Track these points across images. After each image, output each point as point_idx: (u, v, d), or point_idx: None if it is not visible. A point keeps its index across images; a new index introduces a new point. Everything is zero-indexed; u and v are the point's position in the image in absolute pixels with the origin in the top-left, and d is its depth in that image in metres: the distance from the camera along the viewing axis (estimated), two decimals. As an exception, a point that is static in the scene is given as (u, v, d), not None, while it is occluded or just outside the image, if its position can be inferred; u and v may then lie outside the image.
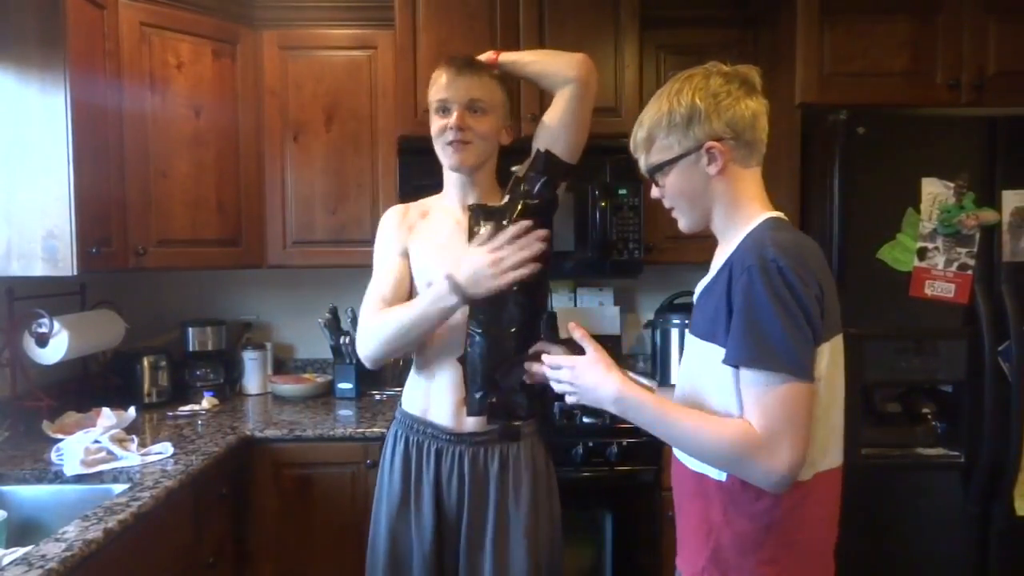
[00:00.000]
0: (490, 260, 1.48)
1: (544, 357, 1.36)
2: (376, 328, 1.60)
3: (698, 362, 1.25)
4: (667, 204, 1.31)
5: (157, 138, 2.42)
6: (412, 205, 1.79)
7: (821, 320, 1.13)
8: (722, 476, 1.19)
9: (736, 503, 1.18)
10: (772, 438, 1.10)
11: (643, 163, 1.30)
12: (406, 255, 1.71)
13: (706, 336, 1.21)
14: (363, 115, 2.64)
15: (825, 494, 1.24)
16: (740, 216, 1.24)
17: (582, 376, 1.28)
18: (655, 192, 1.31)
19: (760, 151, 1.26)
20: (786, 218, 1.26)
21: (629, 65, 2.51)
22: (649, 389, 1.29)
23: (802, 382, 1.11)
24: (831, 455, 1.23)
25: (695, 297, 1.33)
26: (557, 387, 1.34)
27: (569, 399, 1.32)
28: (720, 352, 1.16)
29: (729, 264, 1.19)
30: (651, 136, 1.26)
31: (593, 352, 1.29)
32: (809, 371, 1.11)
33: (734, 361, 1.14)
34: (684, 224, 1.31)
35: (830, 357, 1.17)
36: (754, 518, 1.18)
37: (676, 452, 1.29)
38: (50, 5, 2.00)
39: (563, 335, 1.49)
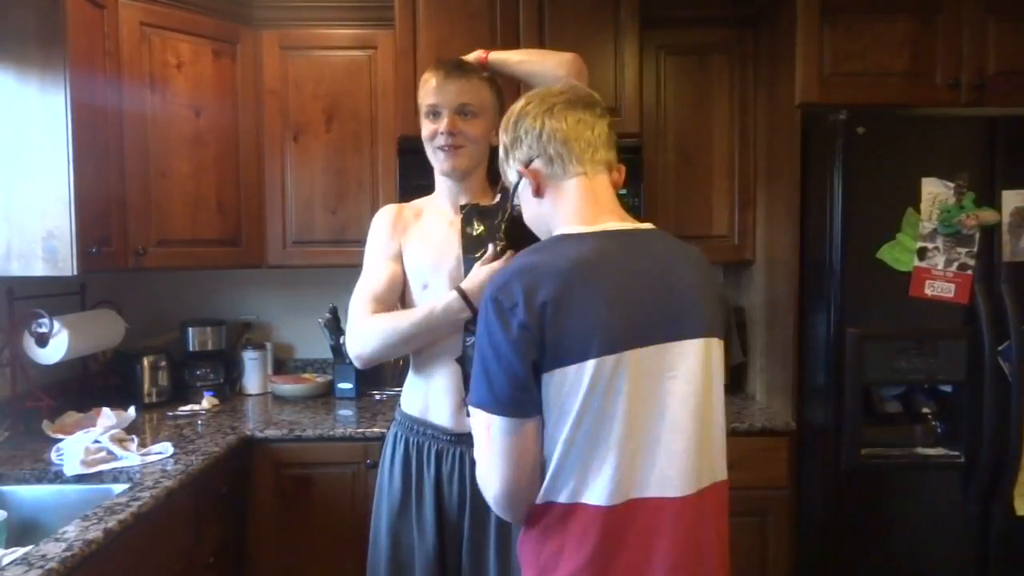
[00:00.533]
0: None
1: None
2: (376, 330, 1.60)
3: None
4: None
5: (157, 138, 2.42)
6: (405, 205, 1.79)
7: (540, 345, 1.07)
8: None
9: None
10: (484, 469, 1.16)
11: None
12: (399, 256, 1.71)
13: None
14: (363, 115, 2.64)
15: (605, 526, 1.10)
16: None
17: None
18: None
19: (576, 160, 1.20)
20: (581, 229, 1.17)
21: (629, 65, 2.51)
22: None
23: (495, 418, 1.11)
24: (601, 487, 1.09)
25: None
26: None
27: None
28: None
29: None
30: (501, 168, 1.31)
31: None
32: (499, 407, 1.10)
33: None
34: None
35: (582, 380, 1.07)
36: (522, 532, 1.21)
37: None
38: (50, 5, 2.00)
39: None
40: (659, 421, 1.12)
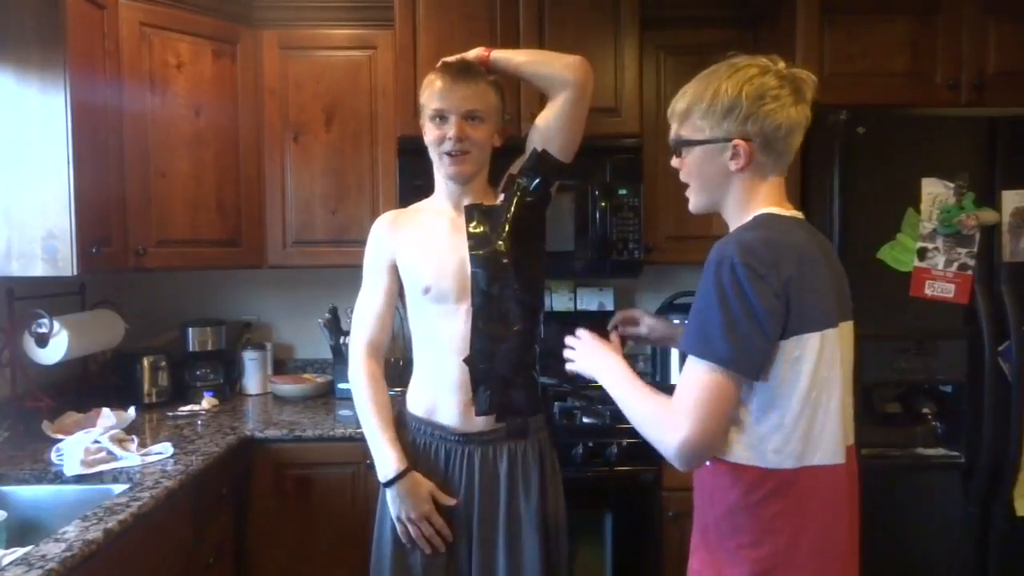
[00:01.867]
0: (415, 517, 1.61)
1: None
2: (356, 398, 1.71)
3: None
4: (683, 178, 1.33)
5: (157, 138, 2.42)
6: (402, 212, 1.80)
7: (785, 314, 1.15)
8: (707, 461, 1.24)
9: (718, 486, 1.23)
10: (677, 413, 1.17)
11: (673, 132, 1.32)
12: (393, 268, 1.72)
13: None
14: (363, 115, 2.64)
15: (817, 489, 1.21)
16: (745, 214, 1.27)
17: (587, 344, 1.41)
18: (675, 162, 1.33)
19: (786, 162, 1.29)
20: (785, 212, 1.27)
21: (629, 65, 2.51)
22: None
23: (725, 373, 1.14)
24: (823, 451, 1.20)
25: None
26: (566, 352, 1.44)
27: (568, 365, 1.43)
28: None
29: (710, 254, 1.21)
30: (689, 110, 1.27)
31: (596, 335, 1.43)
32: (738, 364, 1.14)
33: (683, 347, 1.21)
34: (692, 204, 1.35)
35: (815, 349, 1.17)
36: (730, 502, 1.22)
37: None
38: (50, 5, 2.00)
39: None
40: (847, 389, 1.25)
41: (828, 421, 1.20)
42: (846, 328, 1.26)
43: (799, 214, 1.31)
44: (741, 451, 1.20)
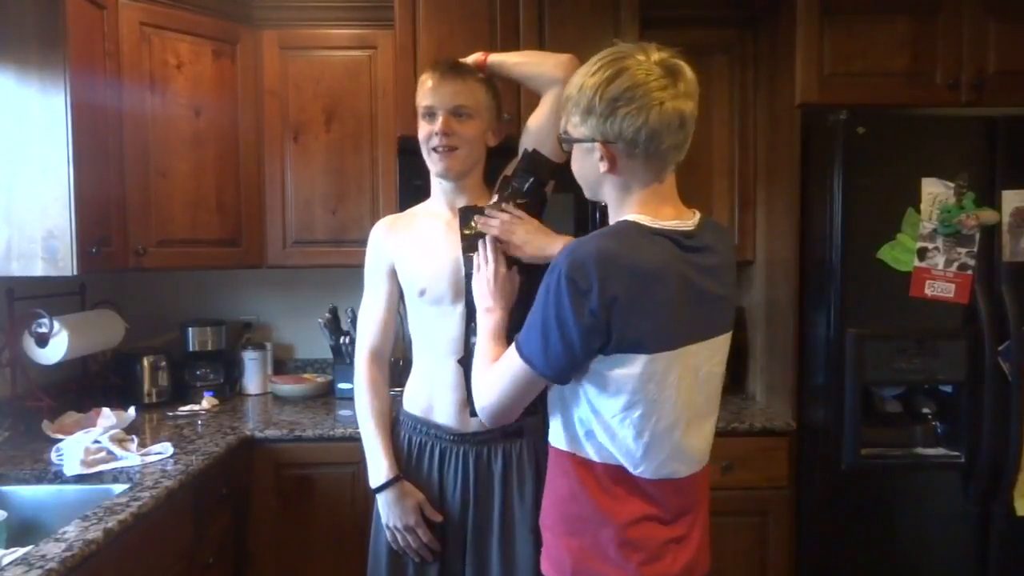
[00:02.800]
0: (402, 526, 1.64)
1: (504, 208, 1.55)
2: (356, 397, 1.75)
3: None
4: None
5: (157, 138, 2.42)
6: (399, 216, 1.81)
7: (605, 332, 1.14)
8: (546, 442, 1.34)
9: (554, 470, 1.33)
10: (487, 383, 1.29)
11: (561, 124, 1.28)
12: (392, 272, 1.73)
13: None
14: (363, 115, 2.64)
15: (619, 490, 1.24)
16: (617, 218, 1.24)
17: (534, 231, 1.51)
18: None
19: (662, 165, 1.21)
20: (651, 223, 1.19)
21: (629, 65, 2.51)
22: None
23: (528, 369, 1.21)
24: (648, 464, 1.22)
25: None
26: (505, 233, 1.52)
27: (514, 248, 1.51)
28: None
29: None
30: (566, 104, 1.24)
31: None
32: (540, 367, 1.19)
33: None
34: (586, 194, 1.32)
35: (637, 371, 1.16)
36: (561, 488, 1.30)
37: None
38: (50, 5, 2.00)
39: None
40: (695, 409, 1.25)
41: (656, 440, 1.20)
42: (696, 349, 1.21)
43: (678, 223, 1.22)
44: (580, 443, 1.26)
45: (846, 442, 2.12)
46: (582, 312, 1.13)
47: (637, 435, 1.20)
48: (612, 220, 1.26)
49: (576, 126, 1.22)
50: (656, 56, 1.17)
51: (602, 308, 1.12)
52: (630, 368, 1.16)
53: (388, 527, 1.66)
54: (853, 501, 2.19)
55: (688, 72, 1.19)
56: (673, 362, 1.18)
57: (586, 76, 1.18)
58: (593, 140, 1.19)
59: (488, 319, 1.44)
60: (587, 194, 1.32)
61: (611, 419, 1.20)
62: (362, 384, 1.73)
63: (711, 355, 1.26)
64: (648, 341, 1.16)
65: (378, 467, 1.67)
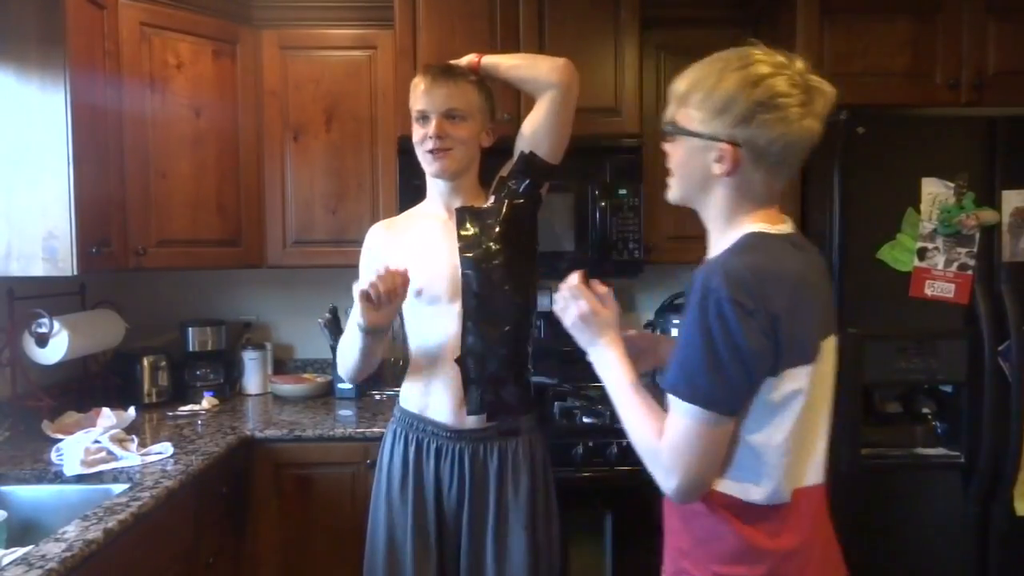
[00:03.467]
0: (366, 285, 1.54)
1: (572, 283, 1.33)
2: (339, 352, 1.73)
3: None
4: (668, 164, 1.24)
5: (157, 138, 2.42)
6: (395, 219, 1.82)
7: (775, 351, 1.07)
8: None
9: (696, 511, 1.17)
10: (671, 457, 1.11)
11: (668, 113, 1.21)
12: None
13: None
14: (363, 115, 2.64)
15: (807, 510, 1.18)
16: (730, 227, 1.18)
17: (590, 317, 1.28)
18: (665, 145, 1.24)
19: (781, 179, 1.18)
20: (775, 230, 1.17)
21: (629, 65, 2.51)
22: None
23: (711, 415, 1.08)
24: (812, 472, 1.18)
25: None
26: (562, 310, 1.31)
27: (567, 322, 1.31)
28: None
29: (694, 280, 1.12)
30: (687, 95, 1.16)
31: (611, 304, 1.31)
32: (724, 406, 1.08)
33: (665, 385, 1.13)
34: (670, 195, 1.26)
35: (805, 381, 1.11)
36: (713, 526, 1.16)
37: None
38: (50, 5, 2.00)
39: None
40: (828, 409, 1.21)
41: (817, 442, 1.18)
42: (829, 345, 1.18)
43: (789, 227, 1.21)
44: (726, 479, 1.14)
45: (846, 442, 2.12)
46: (755, 334, 1.05)
47: (800, 445, 1.14)
48: (716, 229, 1.21)
49: (696, 120, 1.14)
50: (799, 65, 1.12)
51: (770, 326, 1.06)
52: (796, 383, 1.10)
53: (363, 291, 1.54)
54: (853, 501, 2.19)
55: (828, 92, 1.13)
56: (822, 365, 1.15)
57: (724, 72, 1.11)
58: (716, 139, 1.12)
59: (611, 365, 1.26)
60: (675, 194, 1.25)
61: (766, 447, 1.12)
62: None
63: (833, 351, 1.21)
64: (810, 350, 1.11)
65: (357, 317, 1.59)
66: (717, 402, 1.08)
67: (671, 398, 1.11)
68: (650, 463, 1.15)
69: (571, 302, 1.30)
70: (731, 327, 1.04)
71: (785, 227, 1.20)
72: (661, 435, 1.12)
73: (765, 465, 1.12)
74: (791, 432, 1.12)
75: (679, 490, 1.12)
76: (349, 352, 1.68)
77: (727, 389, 1.07)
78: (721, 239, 1.20)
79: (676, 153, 1.20)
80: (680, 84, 1.17)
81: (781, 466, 1.12)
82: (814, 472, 1.18)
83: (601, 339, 1.27)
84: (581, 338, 1.30)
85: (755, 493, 1.13)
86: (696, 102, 1.14)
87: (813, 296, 1.14)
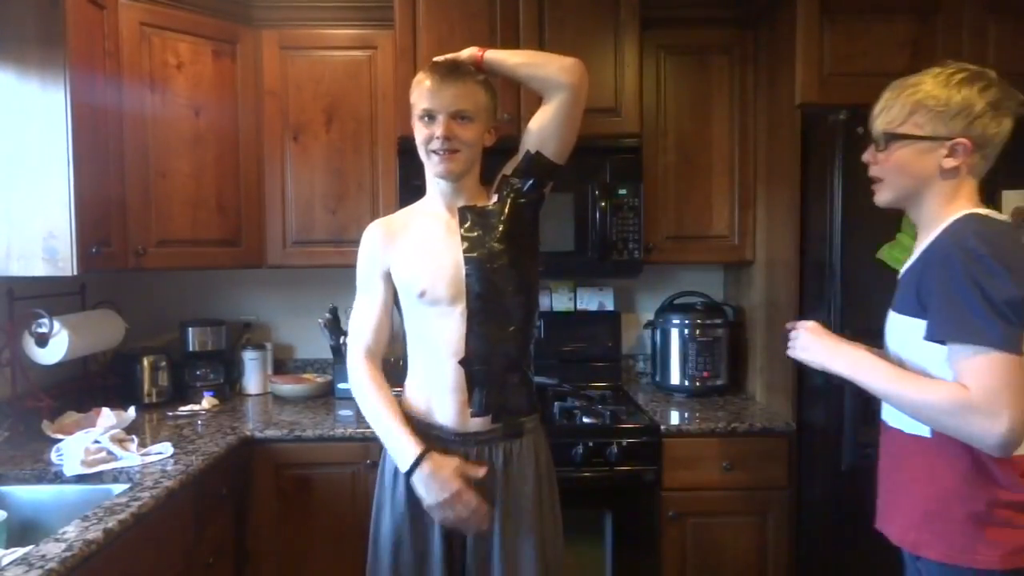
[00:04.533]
0: (448, 497, 1.55)
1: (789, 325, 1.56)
2: (360, 399, 1.68)
3: (900, 335, 1.39)
4: (874, 173, 1.41)
5: (157, 138, 2.42)
6: (393, 218, 1.79)
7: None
8: (926, 432, 1.32)
9: (941, 459, 1.29)
10: (989, 400, 1.19)
11: (881, 123, 1.39)
12: (387, 275, 1.72)
13: (905, 311, 1.37)
14: (363, 115, 2.64)
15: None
16: (948, 212, 1.34)
17: (817, 332, 1.48)
18: (868, 156, 1.42)
19: (989, 166, 1.39)
20: (990, 215, 1.33)
21: (629, 65, 2.51)
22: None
23: (1007, 353, 1.19)
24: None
25: (900, 274, 1.47)
26: (795, 351, 1.52)
27: (802, 356, 1.50)
28: (918, 325, 1.30)
29: (930, 251, 1.31)
30: (914, 109, 1.35)
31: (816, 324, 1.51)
32: (1014, 345, 1.19)
33: (939, 336, 1.25)
34: (882, 197, 1.43)
35: None
36: (957, 474, 1.28)
37: (888, 418, 1.44)
38: (50, 5, 2.00)
39: None
40: None
41: None
42: None
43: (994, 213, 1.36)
44: None
45: (846, 442, 2.12)
46: (1017, 282, 1.19)
47: None
48: (931, 215, 1.37)
49: (924, 126, 1.34)
50: (993, 75, 1.38)
51: (1021, 281, 1.20)
52: None
53: (434, 508, 1.57)
54: (853, 501, 2.19)
55: (1017, 99, 1.38)
56: None
57: (950, 85, 1.34)
58: (950, 137, 1.32)
59: (863, 360, 1.40)
60: (892, 196, 1.42)
61: None
62: (363, 380, 1.67)
63: None
64: None
65: (404, 450, 1.58)
66: (1006, 338, 1.19)
67: (956, 350, 1.23)
68: (959, 419, 1.22)
69: (799, 334, 1.51)
70: (997, 279, 1.19)
71: (990, 210, 1.36)
72: (960, 394, 1.21)
73: None
74: None
75: (1012, 429, 1.18)
76: (366, 412, 1.68)
77: (1007, 327, 1.19)
78: (937, 223, 1.36)
79: (895, 158, 1.38)
80: (909, 97, 1.38)
81: None
82: None
83: (840, 346, 1.44)
84: (823, 359, 1.46)
85: None
86: (926, 112, 1.35)
87: None
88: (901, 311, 1.38)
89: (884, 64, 2.27)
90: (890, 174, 1.39)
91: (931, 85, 1.36)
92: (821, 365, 1.46)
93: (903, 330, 1.37)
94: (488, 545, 1.64)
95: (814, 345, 1.47)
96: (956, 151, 1.32)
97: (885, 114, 1.39)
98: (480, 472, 1.59)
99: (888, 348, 1.46)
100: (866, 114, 2.14)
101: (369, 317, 1.72)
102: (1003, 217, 1.38)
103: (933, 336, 1.27)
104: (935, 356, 1.29)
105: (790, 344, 1.53)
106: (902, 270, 1.45)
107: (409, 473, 1.57)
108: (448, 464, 1.57)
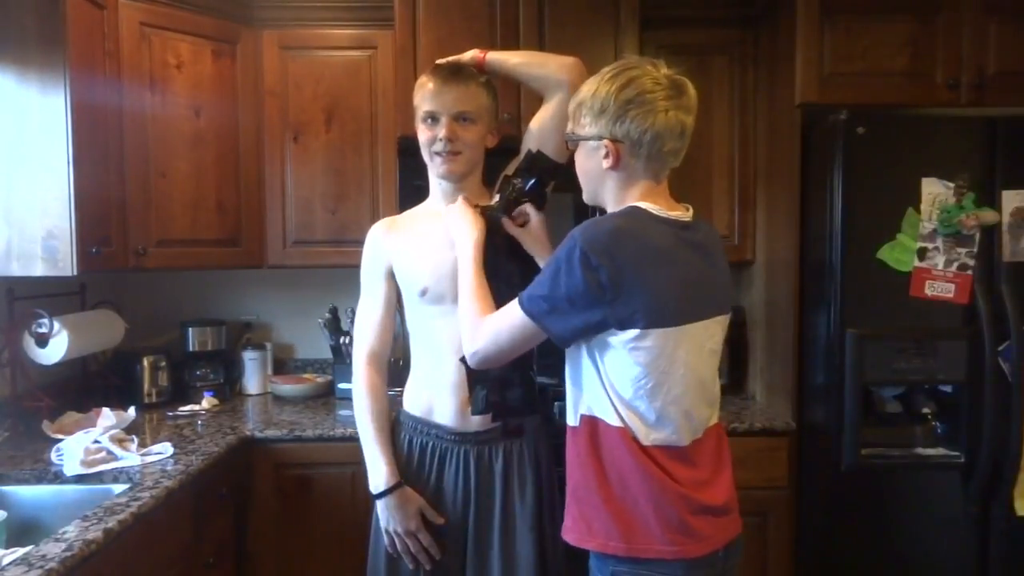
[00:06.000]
0: (402, 532, 1.63)
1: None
2: (354, 401, 1.72)
3: None
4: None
5: (157, 138, 2.42)
6: (397, 218, 1.80)
7: (612, 302, 1.26)
8: (575, 422, 1.40)
9: (584, 447, 1.37)
10: (484, 332, 1.39)
11: (567, 128, 1.43)
12: (390, 275, 1.73)
13: None
14: (363, 115, 2.64)
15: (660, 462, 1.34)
16: (617, 208, 1.38)
17: (458, 208, 1.59)
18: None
19: (661, 166, 1.36)
20: (656, 211, 1.33)
21: (629, 65, 2.51)
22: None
23: (533, 325, 1.32)
24: (665, 432, 1.33)
25: None
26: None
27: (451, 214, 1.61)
28: None
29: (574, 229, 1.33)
30: (578, 108, 1.37)
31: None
32: (548, 328, 1.32)
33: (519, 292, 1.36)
34: (584, 197, 1.46)
35: (649, 344, 1.28)
36: (594, 463, 1.36)
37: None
38: (50, 5, 2.00)
39: None
40: (701, 382, 1.38)
41: (669, 410, 1.32)
42: (702, 327, 1.35)
43: (682, 215, 1.37)
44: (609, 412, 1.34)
45: (846, 442, 2.12)
46: (593, 284, 1.24)
47: (649, 405, 1.31)
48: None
49: (585, 127, 1.36)
50: (664, 71, 1.34)
51: (612, 283, 1.24)
52: (642, 343, 1.27)
53: (387, 531, 1.65)
54: (853, 501, 2.19)
55: (691, 89, 1.36)
56: (681, 338, 1.31)
57: (600, 83, 1.33)
58: (601, 138, 1.33)
59: (465, 246, 1.52)
60: (586, 196, 1.45)
61: (624, 392, 1.31)
62: (361, 388, 1.70)
63: (714, 333, 1.40)
64: (656, 317, 1.27)
65: (378, 473, 1.65)
66: (541, 320, 1.31)
67: (516, 299, 1.35)
68: (466, 328, 1.43)
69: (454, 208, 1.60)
70: (573, 271, 1.26)
71: (675, 213, 1.37)
72: (479, 316, 1.41)
73: (622, 404, 1.33)
74: (632, 385, 1.31)
75: (478, 355, 1.41)
76: (356, 420, 1.72)
77: (554, 316, 1.30)
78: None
79: (578, 159, 1.41)
80: (573, 101, 1.39)
81: (634, 413, 1.32)
82: (667, 437, 1.34)
83: (466, 232, 1.53)
84: (454, 228, 1.57)
85: (612, 421, 1.35)
86: (583, 111, 1.36)
87: (672, 272, 1.31)
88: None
89: (884, 64, 2.27)
90: (580, 174, 1.44)
91: (589, 86, 1.38)
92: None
93: None
94: (487, 547, 1.64)
95: (458, 218, 1.58)
96: (608, 152, 1.34)
97: (570, 114, 1.43)
98: (439, 520, 1.65)
99: None
100: (866, 114, 2.16)
101: (373, 318, 1.73)
102: (670, 214, 1.36)
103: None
104: None
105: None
106: None
107: (377, 496, 1.65)
108: (414, 502, 1.64)
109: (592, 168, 1.38)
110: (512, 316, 1.35)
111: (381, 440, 1.67)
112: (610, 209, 1.39)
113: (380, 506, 1.65)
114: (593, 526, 1.37)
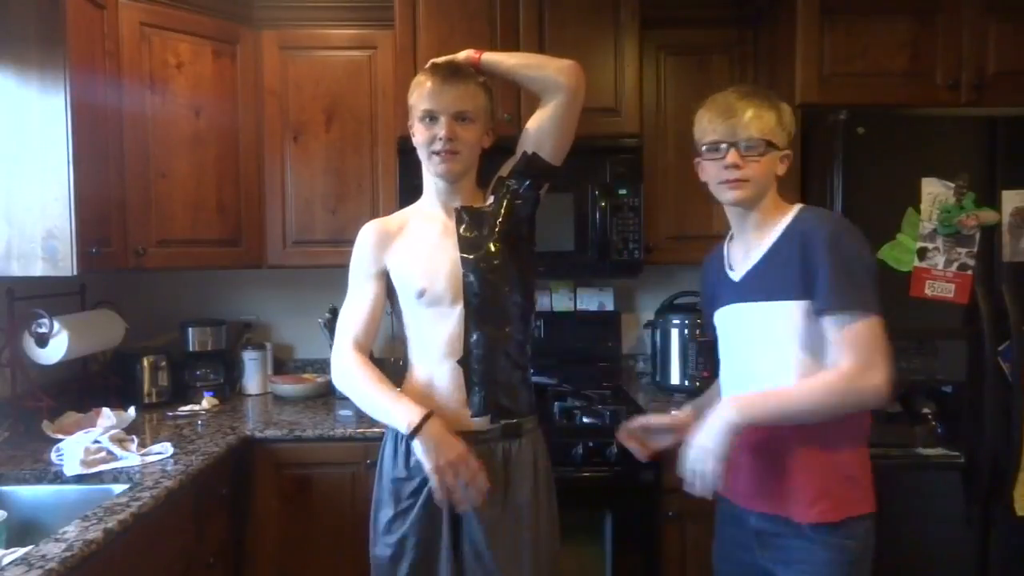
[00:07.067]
0: (453, 458, 1.51)
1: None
2: (350, 383, 1.64)
3: (758, 325, 1.52)
4: (741, 174, 1.50)
5: (157, 138, 2.42)
6: (390, 218, 1.78)
7: None
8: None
9: (825, 438, 1.47)
10: (868, 361, 1.40)
11: (754, 132, 1.49)
12: (382, 275, 1.71)
13: (774, 296, 1.48)
14: (363, 115, 2.64)
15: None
16: (781, 206, 1.56)
17: (698, 441, 1.47)
18: (734, 158, 1.50)
19: None
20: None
21: (629, 65, 2.51)
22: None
23: (879, 319, 1.42)
24: None
25: (740, 276, 1.57)
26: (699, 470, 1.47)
27: (709, 462, 1.44)
28: (786, 307, 1.46)
29: (796, 235, 1.47)
30: (779, 122, 1.52)
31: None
32: (879, 309, 1.43)
33: (830, 307, 1.41)
34: (744, 195, 1.52)
35: None
36: (841, 449, 1.49)
37: None
38: (50, 5, 2.00)
39: None
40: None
41: None
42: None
43: None
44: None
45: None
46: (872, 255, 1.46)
47: None
48: (772, 209, 1.54)
49: (782, 140, 1.53)
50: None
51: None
52: None
53: (437, 471, 1.50)
54: (853, 501, 2.19)
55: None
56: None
57: (782, 103, 1.56)
58: (787, 149, 1.54)
59: (737, 409, 1.45)
60: (749, 195, 1.52)
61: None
62: (351, 364, 1.63)
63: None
64: None
65: (407, 411, 1.53)
66: (879, 308, 1.42)
67: (838, 317, 1.41)
68: (847, 396, 1.42)
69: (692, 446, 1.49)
70: (865, 254, 1.44)
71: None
72: (837, 376, 1.42)
73: None
74: None
75: (888, 379, 1.42)
76: (358, 392, 1.63)
77: (876, 297, 1.43)
78: (782, 216, 1.54)
79: (761, 163, 1.51)
80: (772, 112, 1.52)
81: None
82: None
83: (724, 411, 1.45)
84: (709, 435, 1.45)
85: None
86: (783, 126, 1.54)
87: None
88: (762, 299, 1.50)
89: (884, 64, 2.27)
90: (754, 176, 1.51)
91: (785, 106, 1.56)
92: (720, 443, 1.42)
93: (761, 317, 1.51)
94: (485, 546, 1.63)
95: (701, 445, 1.45)
96: (786, 160, 1.54)
97: (752, 123, 1.50)
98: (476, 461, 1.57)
99: (729, 349, 1.61)
100: (866, 114, 2.16)
101: (359, 314, 1.69)
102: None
103: (822, 307, 1.42)
104: (795, 332, 1.46)
105: (689, 479, 1.48)
106: (743, 269, 1.56)
107: (413, 434, 1.51)
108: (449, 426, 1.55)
109: (769, 173, 1.53)
110: (871, 328, 1.42)
111: (393, 392, 1.59)
112: (772, 207, 1.55)
113: (421, 447, 1.51)
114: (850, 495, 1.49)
